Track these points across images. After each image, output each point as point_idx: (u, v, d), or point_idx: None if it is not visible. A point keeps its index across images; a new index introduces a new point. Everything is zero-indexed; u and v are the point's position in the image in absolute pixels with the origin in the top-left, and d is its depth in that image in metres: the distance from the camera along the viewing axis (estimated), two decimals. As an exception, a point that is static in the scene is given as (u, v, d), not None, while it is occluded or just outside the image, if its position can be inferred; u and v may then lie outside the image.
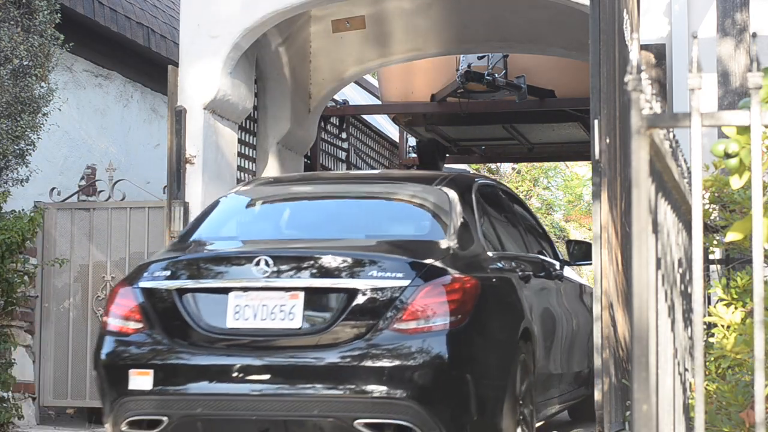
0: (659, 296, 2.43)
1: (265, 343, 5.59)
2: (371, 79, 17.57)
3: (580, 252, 7.69)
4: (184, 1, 8.94)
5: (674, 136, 2.69)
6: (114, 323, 5.82)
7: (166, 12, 11.42)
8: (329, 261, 5.62)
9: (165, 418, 5.61)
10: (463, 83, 12.48)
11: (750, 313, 3.48)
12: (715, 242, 4.45)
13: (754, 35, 2.18)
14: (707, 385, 3.41)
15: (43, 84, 7.87)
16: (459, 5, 10.81)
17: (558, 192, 26.02)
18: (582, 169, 24.91)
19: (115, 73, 10.45)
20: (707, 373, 3.56)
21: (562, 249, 12.55)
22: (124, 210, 8.68)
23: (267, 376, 5.50)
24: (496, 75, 12.34)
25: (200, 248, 6.15)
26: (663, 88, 7.55)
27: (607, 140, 5.42)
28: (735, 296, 3.68)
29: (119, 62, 10.43)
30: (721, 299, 3.64)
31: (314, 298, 5.59)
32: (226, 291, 5.69)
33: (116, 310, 5.83)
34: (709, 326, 3.68)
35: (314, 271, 5.62)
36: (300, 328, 5.55)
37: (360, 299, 5.52)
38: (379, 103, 14.50)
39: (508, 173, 23.89)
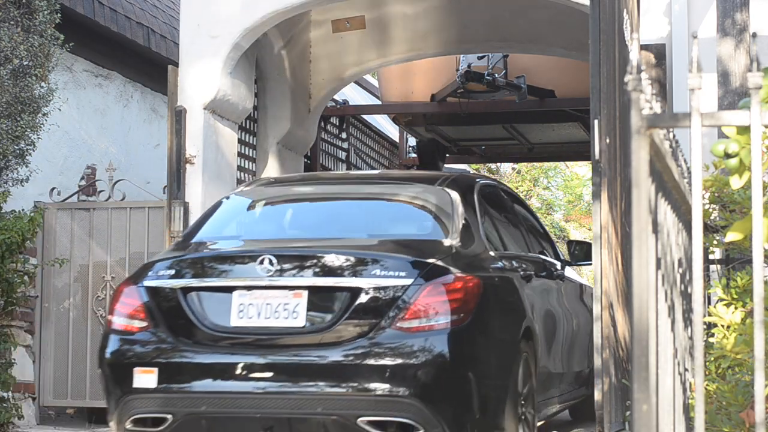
0: (659, 296, 2.43)
1: (268, 341, 5.61)
2: (371, 79, 17.56)
3: (582, 252, 7.69)
4: (184, 1, 8.94)
5: (674, 136, 2.69)
6: (119, 322, 5.84)
7: (166, 12, 11.42)
8: (332, 260, 5.64)
9: (169, 416, 5.63)
10: (463, 83, 12.47)
11: (750, 313, 3.48)
12: (715, 242, 4.45)
13: (754, 35, 2.18)
14: (707, 385, 3.41)
15: (43, 84, 7.87)
16: (459, 5, 10.80)
17: (558, 192, 26.01)
18: (582, 169, 24.90)
19: (115, 73, 10.45)
20: (707, 373, 3.56)
21: (562, 249, 12.54)
22: (124, 210, 8.68)
23: (271, 374, 5.51)
24: (496, 75, 12.33)
25: (204, 248, 6.16)
26: (663, 88, 7.55)
27: (607, 140, 5.42)
28: (735, 296, 3.68)
29: (119, 62, 10.43)
30: (721, 299, 3.64)
31: (318, 297, 5.61)
32: (230, 290, 5.71)
33: (121, 308, 5.85)
34: (709, 326, 3.68)
35: (317, 270, 5.64)
36: (303, 327, 5.56)
37: (363, 298, 5.53)
38: (379, 103, 14.49)
39: (508, 173, 23.88)
